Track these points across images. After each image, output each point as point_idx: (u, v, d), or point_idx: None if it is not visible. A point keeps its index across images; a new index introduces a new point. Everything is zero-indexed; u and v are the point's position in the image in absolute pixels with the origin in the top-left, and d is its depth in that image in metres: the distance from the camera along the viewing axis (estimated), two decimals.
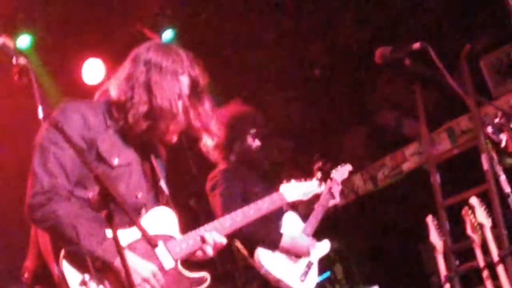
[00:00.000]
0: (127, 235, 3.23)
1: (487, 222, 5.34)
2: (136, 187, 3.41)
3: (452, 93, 3.93)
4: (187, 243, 3.44)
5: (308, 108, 8.98)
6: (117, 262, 3.09)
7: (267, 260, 4.94)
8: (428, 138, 7.05)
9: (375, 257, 8.84)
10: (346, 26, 8.40)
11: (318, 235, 5.33)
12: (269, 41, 8.37)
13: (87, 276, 3.06)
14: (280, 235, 5.04)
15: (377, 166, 9.04)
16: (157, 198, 3.55)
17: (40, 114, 2.55)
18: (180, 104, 3.42)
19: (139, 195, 3.42)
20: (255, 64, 8.46)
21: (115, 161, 3.33)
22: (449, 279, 5.71)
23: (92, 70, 7.32)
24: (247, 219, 3.90)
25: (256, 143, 5.35)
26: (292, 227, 5.22)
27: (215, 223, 3.64)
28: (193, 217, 7.25)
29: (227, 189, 5.04)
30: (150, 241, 2.75)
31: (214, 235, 3.51)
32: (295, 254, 5.07)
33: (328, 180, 5.43)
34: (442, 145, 8.16)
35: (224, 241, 3.54)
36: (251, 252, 4.98)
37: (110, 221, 2.62)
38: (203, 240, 3.48)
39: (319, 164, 5.40)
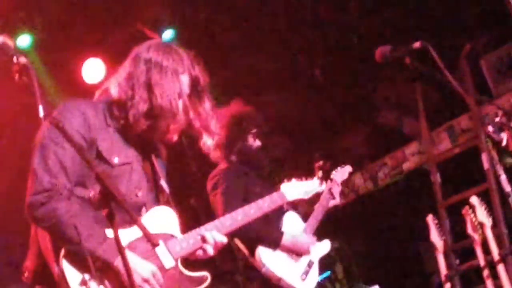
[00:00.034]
0: (127, 235, 3.23)
1: (487, 221, 5.35)
2: (137, 186, 3.41)
3: (452, 92, 3.93)
4: (187, 242, 3.44)
5: (308, 108, 8.98)
6: (117, 262, 3.08)
7: (268, 258, 4.95)
8: (429, 138, 7.05)
9: (376, 257, 8.84)
10: (346, 25, 8.40)
11: (318, 234, 5.34)
12: (269, 41, 8.37)
13: (87, 276, 3.06)
14: (281, 233, 5.05)
15: (378, 165, 9.04)
16: (158, 197, 3.55)
17: (41, 113, 2.55)
18: (180, 103, 3.42)
19: (140, 194, 3.41)
20: (255, 64, 8.46)
21: (115, 160, 3.33)
22: (449, 278, 5.72)
23: (92, 69, 7.32)
24: (248, 218, 3.89)
25: (257, 143, 5.36)
26: (293, 227, 5.22)
27: (215, 222, 3.63)
28: (193, 216, 7.25)
29: (228, 188, 5.05)
30: (151, 240, 2.75)
31: (214, 234, 3.50)
32: (296, 252, 5.08)
33: (328, 181, 5.44)
34: (443, 145, 8.16)
35: (224, 240, 3.54)
36: (252, 251, 4.99)
37: (111, 220, 2.61)
38: (203, 239, 3.47)
39: (320, 163, 5.41)
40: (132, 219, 2.73)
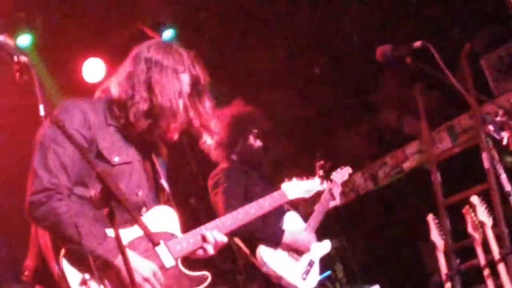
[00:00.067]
0: (127, 234, 3.23)
1: (488, 221, 5.34)
2: (137, 186, 3.41)
3: (453, 91, 3.93)
4: (187, 241, 3.43)
5: (308, 107, 8.98)
6: (117, 261, 3.08)
7: (269, 257, 4.95)
8: (429, 137, 7.05)
9: (376, 256, 8.84)
10: (346, 24, 8.40)
11: (319, 234, 5.35)
12: (269, 40, 8.37)
13: (87, 275, 3.06)
14: (282, 231, 5.06)
15: (378, 164, 9.04)
16: (158, 197, 3.55)
17: (42, 112, 2.55)
18: (180, 102, 3.42)
19: (140, 194, 3.41)
20: (255, 63, 8.46)
21: (116, 159, 3.33)
22: (450, 277, 5.72)
23: (93, 69, 7.33)
24: (248, 218, 3.89)
25: (258, 143, 5.38)
26: (294, 227, 5.23)
27: (216, 221, 3.63)
28: (193, 216, 7.25)
29: (229, 187, 5.05)
30: (152, 239, 2.74)
31: (215, 233, 3.50)
32: (296, 250, 5.09)
33: (329, 182, 5.46)
34: (443, 144, 8.16)
35: (225, 239, 3.54)
36: (253, 250, 4.99)
37: (111, 219, 2.61)
38: (204, 239, 3.47)
39: (321, 162, 5.41)
40: (133, 218, 2.73)
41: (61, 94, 6.84)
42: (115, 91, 3.40)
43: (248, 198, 4.80)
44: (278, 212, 5.16)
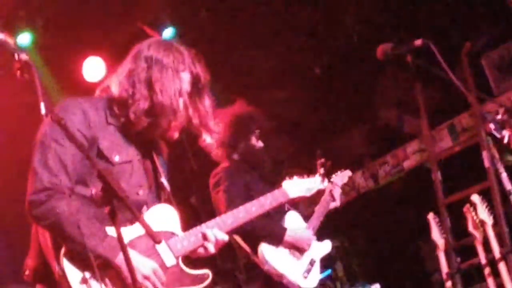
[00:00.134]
0: (128, 233, 3.22)
1: (488, 220, 5.34)
2: (137, 184, 3.40)
3: (453, 90, 3.93)
4: (188, 240, 3.43)
5: (309, 107, 8.98)
6: (118, 260, 3.08)
7: (271, 255, 4.96)
8: (429, 136, 7.04)
9: (376, 255, 8.85)
10: (347, 24, 8.39)
11: (319, 233, 5.36)
12: (269, 40, 8.37)
13: (87, 274, 3.06)
14: (284, 229, 5.08)
15: (378, 163, 9.05)
16: (159, 195, 3.55)
17: (43, 110, 2.54)
18: (181, 101, 3.42)
19: (140, 192, 3.41)
20: (255, 63, 8.46)
21: (116, 158, 3.32)
22: (450, 276, 5.71)
23: (93, 68, 7.33)
24: (249, 216, 3.89)
25: (259, 143, 5.39)
26: (294, 226, 5.23)
27: (217, 219, 3.63)
28: (194, 215, 7.26)
29: (231, 186, 5.06)
30: (154, 238, 2.74)
31: (215, 232, 3.50)
32: (298, 248, 5.09)
33: (329, 184, 5.46)
34: (444, 143, 8.16)
35: (226, 238, 3.53)
36: (254, 249, 4.99)
37: (113, 218, 2.60)
38: (204, 237, 3.47)
39: (322, 160, 5.42)
40: (135, 216, 2.72)
41: (61, 93, 6.84)
42: (115, 89, 3.40)
43: (249, 197, 4.79)
44: (279, 212, 5.17)
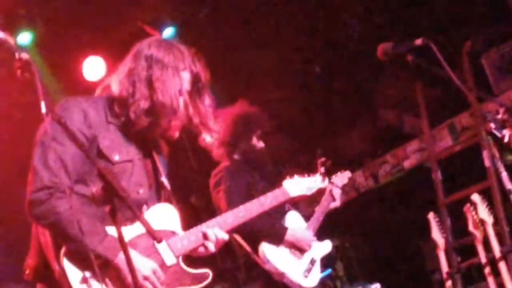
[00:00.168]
0: (128, 232, 3.22)
1: (489, 219, 5.34)
2: (138, 184, 3.40)
3: (453, 89, 3.93)
4: (188, 239, 3.43)
5: (309, 106, 8.98)
6: (117, 260, 3.08)
7: (272, 254, 4.97)
8: (430, 135, 7.04)
9: (376, 254, 8.84)
10: (347, 23, 8.39)
11: (319, 232, 5.36)
12: (269, 39, 8.36)
13: (87, 273, 3.06)
14: (285, 229, 5.08)
15: (379, 163, 9.05)
16: (159, 195, 3.55)
17: (43, 109, 2.54)
18: (181, 100, 3.42)
19: (141, 192, 3.41)
20: (256, 62, 8.45)
21: (116, 157, 3.32)
22: (450, 275, 5.72)
23: (93, 67, 7.33)
24: (250, 215, 3.89)
25: (261, 144, 5.40)
26: (295, 226, 5.24)
27: (217, 219, 3.62)
28: (194, 214, 7.25)
29: (232, 185, 5.07)
30: (155, 236, 2.74)
31: (216, 231, 3.50)
32: (298, 248, 5.10)
33: (329, 184, 5.47)
34: (444, 142, 8.16)
35: (226, 237, 3.53)
36: (254, 247, 4.99)
37: (113, 217, 2.60)
38: (205, 236, 3.46)
39: (322, 159, 5.42)
40: (135, 215, 2.72)
41: (61, 92, 6.83)
42: (115, 88, 3.40)
43: (250, 196, 4.78)
44: (280, 212, 5.17)
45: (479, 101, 6.12)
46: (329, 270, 6.76)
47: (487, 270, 5.41)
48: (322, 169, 5.30)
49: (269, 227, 5.01)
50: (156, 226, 3.33)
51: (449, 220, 6.14)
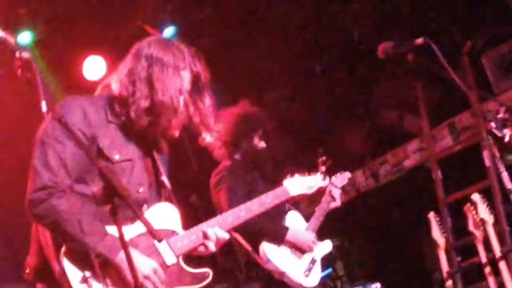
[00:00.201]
0: (128, 231, 3.22)
1: (489, 218, 5.34)
2: (138, 183, 3.40)
3: (454, 89, 3.92)
4: (189, 238, 3.43)
5: (309, 105, 8.97)
6: (118, 259, 3.08)
7: (272, 253, 4.97)
8: (430, 135, 7.04)
9: (377, 254, 8.85)
10: (347, 22, 8.39)
11: (320, 232, 5.36)
12: (269, 39, 8.36)
13: (88, 273, 3.05)
14: (286, 228, 5.09)
15: (379, 162, 9.05)
16: (159, 194, 3.54)
17: (44, 108, 2.54)
18: (181, 99, 3.42)
19: (141, 191, 3.40)
20: (256, 62, 8.45)
21: (116, 157, 3.32)
22: (451, 275, 5.71)
23: (93, 66, 7.33)
24: (250, 214, 3.88)
25: (262, 144, 5.40)
26: (295, 226, 5.24)
27: (217, 218, 3.62)
28: (194, 213, 7.25)
29: (233, 185, 5.07)
30: (155, 236, 2.74)
31: (216, 230, 3.49)
32: (299, 248, 5.10)
33: (329, 184, 5.47)
34: (444, 142, 8.16)
35: (226, 236, 3.53)
36: (255, 247, 5.00)
37: (114, 216, 2.60)
38: (205, 236, 3.46)
39: (323, 158, 5.42)
40: (136, 214, 2.72)
41: (61, 91, 6.83)
42: (115, 88, 3.40)
43: (250, 196, 4.79)
44: (280, 212, 5.17)
45: (479, 100, 6.12)
46: (329, 270, 6.77)
47: (487, 269, 5.41)
48: (323, 168, 5.30)
49: (269, 227, 5.02)
50: (156, 225, 3.32)
51: (450, 220, 6.14)
